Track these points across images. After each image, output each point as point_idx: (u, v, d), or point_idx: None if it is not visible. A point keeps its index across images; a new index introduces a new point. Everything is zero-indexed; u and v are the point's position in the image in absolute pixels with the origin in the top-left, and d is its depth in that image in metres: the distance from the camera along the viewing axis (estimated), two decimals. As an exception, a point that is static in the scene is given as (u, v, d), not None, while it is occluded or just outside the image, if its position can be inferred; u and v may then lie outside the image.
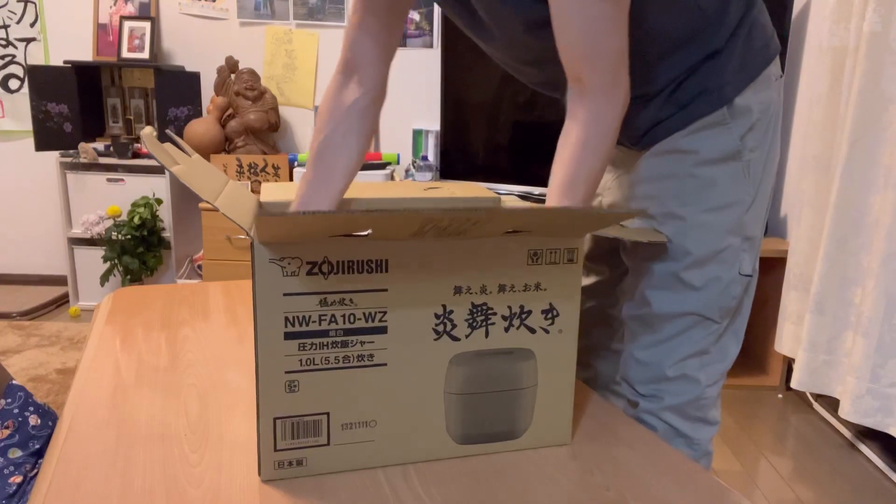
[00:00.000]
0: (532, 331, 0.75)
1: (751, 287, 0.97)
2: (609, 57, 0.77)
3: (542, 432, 0.79)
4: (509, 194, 2.83)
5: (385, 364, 0.71)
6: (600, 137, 0.80)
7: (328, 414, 0.71)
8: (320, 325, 0.68)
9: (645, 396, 0.99)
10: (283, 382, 0.69)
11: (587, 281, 1.18)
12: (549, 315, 0.75)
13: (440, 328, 0.72)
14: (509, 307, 0.73)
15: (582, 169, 0.80)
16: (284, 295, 0.66)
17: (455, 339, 0.72)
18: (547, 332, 0.75)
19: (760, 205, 0.94)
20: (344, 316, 0.68)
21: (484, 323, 0.73)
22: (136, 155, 2.93)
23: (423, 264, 0.69)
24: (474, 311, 0.72)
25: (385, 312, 0.69)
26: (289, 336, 0.67)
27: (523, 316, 0.74)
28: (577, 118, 0.81)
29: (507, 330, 0.74)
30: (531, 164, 2.86)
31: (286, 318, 0.67)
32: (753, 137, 0.90)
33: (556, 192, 0.81)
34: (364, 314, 0.69)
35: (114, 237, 2.84)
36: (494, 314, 0.73)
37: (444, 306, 0.71)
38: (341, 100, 0.96)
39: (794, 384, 2.11)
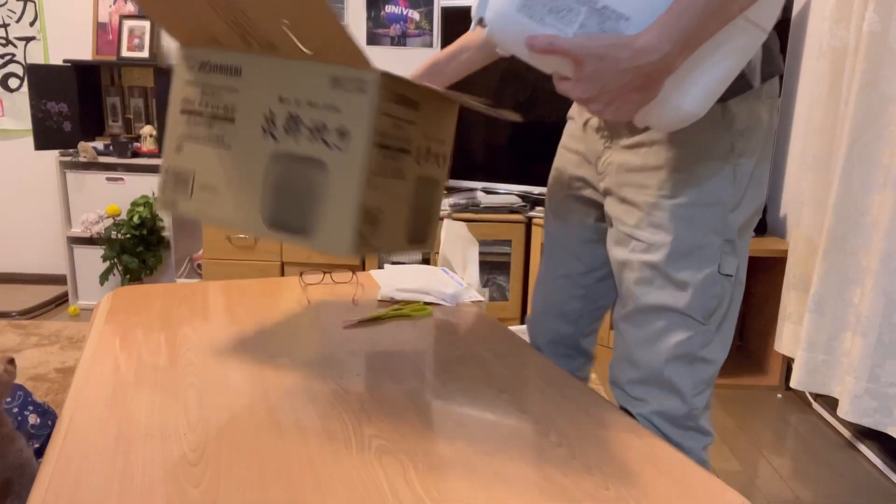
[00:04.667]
0: (328, 146, 0.87)
1: (735, 292, 0.98)
2: None
3: (330, 238, 0.89)
4: (509, 193, 2.83)
5: (230, 147, 0.93)
6: None
7: (195, 173, 0.95)
8: (199, 107, 0.95)
9: (635, 400, 1.00)
10: (174, 144, 0.97)
11: (586, 267, 1.18)
12: (343, 136, 0.86)
13: (266, 128, 0.90)
14: (314, 121, 0.87)
15: None
16: (185, 83, 0.96)
17: (276, 139, 0.89)
18: (340, 149, 0.86)
19: (745, 212, 0.95)
20: (213, 106, 0.94)
21: (296, 131, 0.88)
22: (136, 154, 2.93)
23: (262, 75, 0.90)
24: (290, 119, 0.89)
25: (234, 108, 0.92)
26: (183, 112, 0.96)
27: (323, 132, 0.87)
28: None
29: (311, 141, 0.88)
30: (531, 164, 2.86)
31: (184, 99, 0.96)
32: (743, 143, 0.92)
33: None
34: (223, 107, 0.93)
35: (113, 236, 2.83)
36: (304, 125, 0.88)
37: (271, 111, 0.89)
38: (474, 34, 1.16)
39: (793, 384, 2.11)
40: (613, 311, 1.04)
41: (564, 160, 1.14)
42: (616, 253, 1.01)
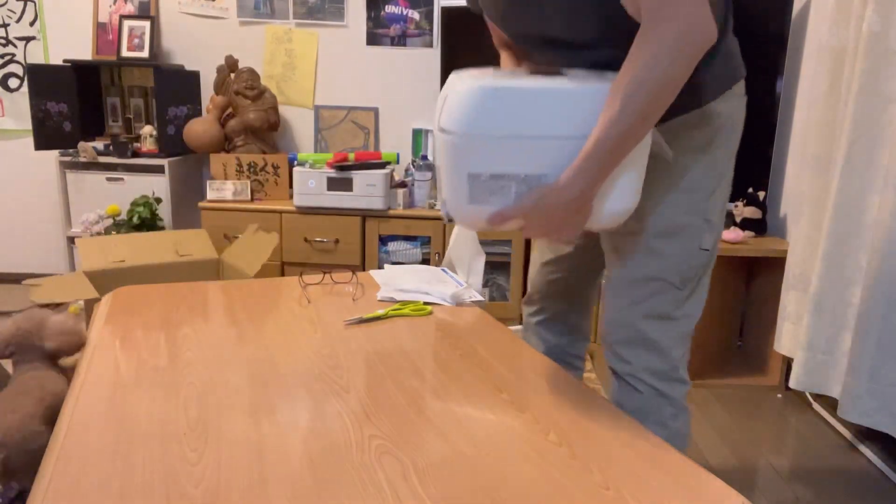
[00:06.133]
0: None
1: (710, 262, 1.13)
2: None
3: None
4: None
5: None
6: (643, 61, 0.86)
7: None
8: None
9: (623, 361, 1.14)
10: None
11: (554, 254, 1.34)
12: None
13: None
14: None
15: (621, 88, 0.87)
16: None
17: None
18: None
19: (722, 195, 1.10)
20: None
21: None
22: (136, 154, 2.93)
23: None
24: None
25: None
26: None
27: None
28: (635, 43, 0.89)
29: None
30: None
31: None
32: (721, 137, 1.06)
33: (602, 112, 0.90)
34: None
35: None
36: None
37: None
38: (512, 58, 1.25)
39: (792, 384, 2.11)
40: (604, 285, 1.18)
41: None
42: (610, 237, 1.15)
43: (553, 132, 0.91)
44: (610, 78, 0.91)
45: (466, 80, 0.92)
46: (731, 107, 1.06)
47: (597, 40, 0.97)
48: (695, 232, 1.08)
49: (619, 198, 0.97)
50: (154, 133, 2.97)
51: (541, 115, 0.90)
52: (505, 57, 1.24)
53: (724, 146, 1.07)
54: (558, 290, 1.36)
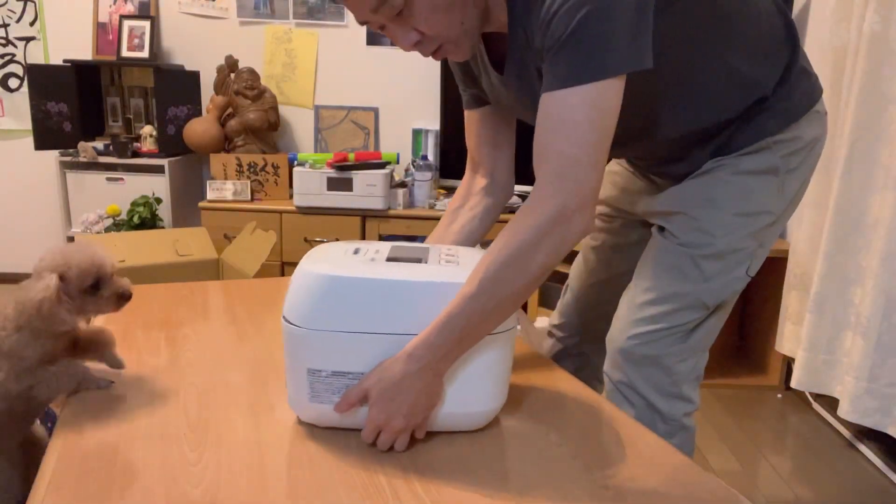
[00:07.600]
0: None
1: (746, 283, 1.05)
2: (552, 161, 0.81)
3: None
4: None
5: None
6: (520, 242, 0.79)
7: None
8: None
9: (622, 371, 1.05)
10: None
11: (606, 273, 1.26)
12: None
13: None
14: None
15: (486, 263, 0.80)
16: None
17: None
18: None
19: (784, 220, 1.03)
20: None
21: None
22: (136, 154, 2.93)
23: None
24: None
25: None
26: None
27: None
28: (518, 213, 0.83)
29: None
30: (531, 164, 2.85)
31: None
32: (794, 160, 0.99)
33: (452, 303, 0.80)
34: None
35: (113, 236, 2.83)
36: None
37: None
38: (472, 185, 1.17)
39: (793, 384, 2.11)
40: (627, 290, 1.09)
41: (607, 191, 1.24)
42: (663, 245, 1.05)
43: (401, 329, 0.81)
44: (479, 258, 0.84)
45: (312, 265, 0.83)
46: (813, 126, 1.00)
47: None
48: (746, 256, 1.01)
49: (481, 399, 0.86)
50: (154, 133, 2.97)
51: (387, 310, 0.81)
52: (466, 177, 1.18)
53: (798, 169, 1.00)
54: (611, 309, 1.21)
